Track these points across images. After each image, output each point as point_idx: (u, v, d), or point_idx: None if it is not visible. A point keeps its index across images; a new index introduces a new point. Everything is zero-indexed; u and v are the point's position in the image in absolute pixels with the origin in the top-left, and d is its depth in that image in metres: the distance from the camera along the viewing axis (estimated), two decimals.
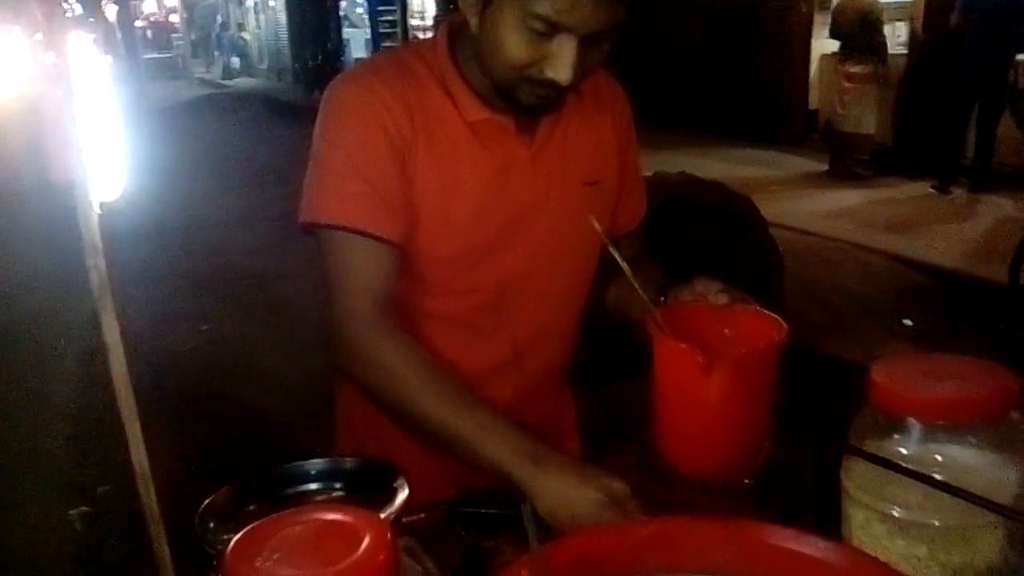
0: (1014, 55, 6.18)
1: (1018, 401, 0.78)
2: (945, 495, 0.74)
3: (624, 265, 1.00)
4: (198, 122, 13.20)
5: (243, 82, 21.81)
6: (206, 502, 0.83)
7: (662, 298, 1.09)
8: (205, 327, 4.65)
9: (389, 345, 1.02)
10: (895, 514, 0.78)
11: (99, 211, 0.58)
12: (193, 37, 28.36)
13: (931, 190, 6.51)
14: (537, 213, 1.11)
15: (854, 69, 6.78)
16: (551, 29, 0.93)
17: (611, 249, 1.00)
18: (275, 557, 0.58)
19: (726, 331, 1.02)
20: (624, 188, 1.23)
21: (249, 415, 3.58)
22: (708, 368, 0.91)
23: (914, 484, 0.76)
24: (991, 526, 0.75)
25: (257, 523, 0.60)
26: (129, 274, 5.46)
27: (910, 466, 0.77)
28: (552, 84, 0.97)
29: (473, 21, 1.00)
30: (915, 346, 3.73)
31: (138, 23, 28.68)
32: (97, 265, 0.58)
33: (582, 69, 0.97)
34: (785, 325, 0.98)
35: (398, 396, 1.01)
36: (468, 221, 1.07)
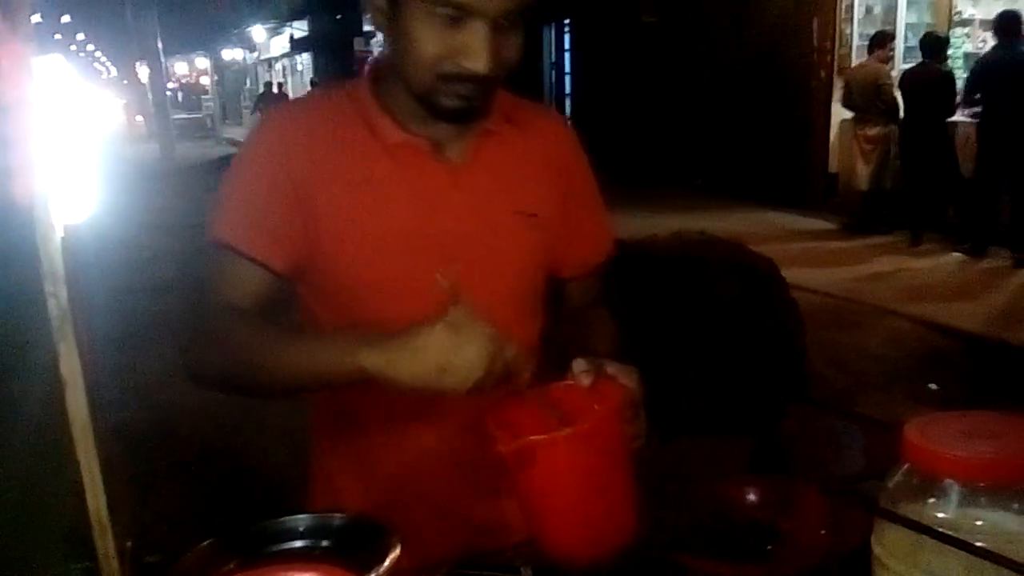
0: None
1: None
2: (987, 564, 0.69)
3: None
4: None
5: None
6: (179, 560, 0.77)
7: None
8: None
9: (223, 319, 1.01)
10: None
11: (63, 234, 0.54)
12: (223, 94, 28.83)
13: (956, 254, 6.43)
14: (465, 242, 1.09)
15: (872, 132, 7.12)
16: (460, 13, 0.94)
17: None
18: None
19: (596, 407, 0.96)
20: (570, 228, 1.19)
21: (263, 466, 3.52)
22: (515, 457, 0.85)
23: (953, 552, 0.71)
24: None
25: None
26: (142, 330, 5.52)
27: (948, 532, 0.72)
28: (470, 77, 0.98)
29: (386, 36, 1.02)
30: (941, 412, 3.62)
31: (170, 85, 29.49)
32: (57, 293, 0.53)
33: (498, 60, 0.98)
34: (619, 396, 0.92)
35: (236, 360, 0.99)
36: (395, 246, 1.07)
